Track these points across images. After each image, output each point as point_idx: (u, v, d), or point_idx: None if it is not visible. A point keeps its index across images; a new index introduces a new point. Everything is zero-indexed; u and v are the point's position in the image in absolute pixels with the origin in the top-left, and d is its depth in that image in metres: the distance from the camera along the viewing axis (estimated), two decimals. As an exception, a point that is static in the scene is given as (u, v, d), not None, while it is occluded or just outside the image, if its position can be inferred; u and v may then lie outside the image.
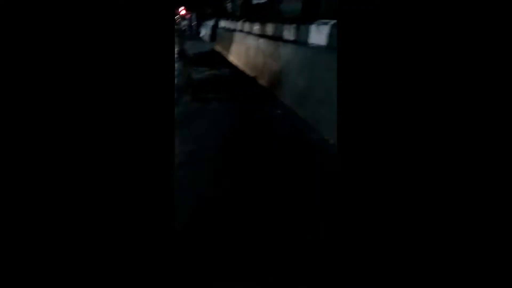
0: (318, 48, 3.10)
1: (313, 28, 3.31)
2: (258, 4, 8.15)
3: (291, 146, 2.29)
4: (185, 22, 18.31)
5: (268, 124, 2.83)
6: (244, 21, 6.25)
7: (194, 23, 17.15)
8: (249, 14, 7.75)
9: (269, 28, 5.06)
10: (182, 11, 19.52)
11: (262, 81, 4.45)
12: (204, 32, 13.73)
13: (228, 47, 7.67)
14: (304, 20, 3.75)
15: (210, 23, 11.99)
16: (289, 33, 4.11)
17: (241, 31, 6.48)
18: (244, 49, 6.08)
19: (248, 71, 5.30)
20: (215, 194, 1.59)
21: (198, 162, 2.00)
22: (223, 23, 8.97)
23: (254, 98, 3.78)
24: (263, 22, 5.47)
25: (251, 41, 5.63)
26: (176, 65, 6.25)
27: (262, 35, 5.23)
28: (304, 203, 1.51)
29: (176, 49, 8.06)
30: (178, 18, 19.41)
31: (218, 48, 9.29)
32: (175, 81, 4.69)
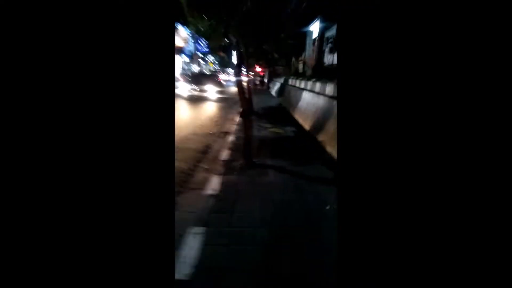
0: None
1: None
2: (330, 66, 7.80)
3: None
4: (258, 78, 19.75)
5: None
6: (315, 81, 5.77)
7: (266, 79, 18.27)
8: (320, 74, 7.38)
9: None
10: (258, 68, 21.45)
11: (331, 149, 3.59)
12: (274, 88, 14.21)
13: (295, 104, 7.25)
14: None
15: (280, 80, 12.33)
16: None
17: (310, 90, 5.98)
18: (313, 109, 5.45)
19: (315, 134, 4.56)
20: None
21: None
22: (292, 81, 8.87)
23: (319, 173, 2.90)
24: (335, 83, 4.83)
25: (321, 102, 4.99)
26: (238, 119, 6.02)
27: (335, 97, 4.54)
28: None
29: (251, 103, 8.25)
30: (254, 74, 21.34)
31: (285, 103, 9.07)
32: (235, 140, 4.23)
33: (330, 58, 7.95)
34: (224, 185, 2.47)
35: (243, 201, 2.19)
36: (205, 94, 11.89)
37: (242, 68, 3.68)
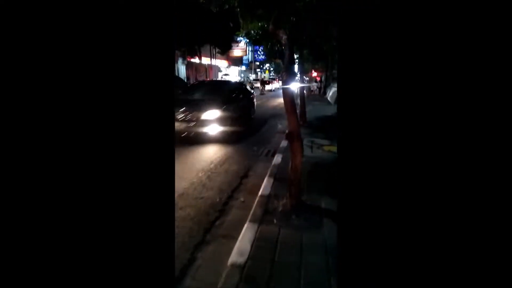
0: None
1: None
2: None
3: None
4: (314, 84, 18.44)
5: None
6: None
7: (323, 84, 16.85)
8: None
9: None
10: (314, 73, 20.08)
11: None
12: (330, 94, 12.81)
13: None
14: None
15: (335, 86, 10.93)
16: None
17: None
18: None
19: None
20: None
21: None
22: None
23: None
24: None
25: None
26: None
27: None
28: None
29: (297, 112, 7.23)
30: (309, 80, 20.14)
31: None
32: (281, 164, 3.42)
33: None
34: (255, 247, 1.70)
35: (280, 280, 1.37)
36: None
37: (294, 74, 2.91)
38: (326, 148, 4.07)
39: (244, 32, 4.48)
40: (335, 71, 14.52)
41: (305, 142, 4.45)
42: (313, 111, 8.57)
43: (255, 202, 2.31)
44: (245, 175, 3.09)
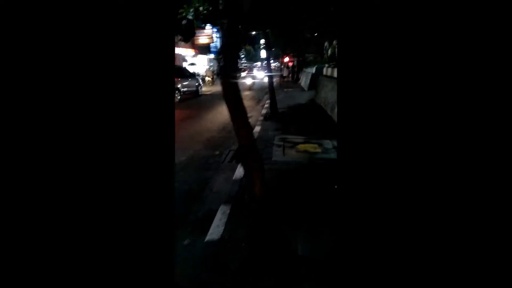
0: None
1: None
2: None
3: None
4: (286, 70, 17.58)
5: None
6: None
7: (295, 69, 16.05)
8: None
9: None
10: (286, 58, 19.18)
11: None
12: (304, 79, 12.10)
13: (334, 102, 5.29)
14: None
15: (311, 70, 10.24)
16: None
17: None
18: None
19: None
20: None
21: None
22: (327, 71, 6.84)
23: None
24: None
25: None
26: (257, 129, 4.32)
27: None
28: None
29: (265, 102, 6.34)
30: (282, 66, 19.17)
31: (319, 99, 7.09)
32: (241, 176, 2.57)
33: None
34: None
35: None
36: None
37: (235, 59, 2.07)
38: (301, 147, 3.29)
39: (191, 10, 3.41)
40: (308, 55, 13.77)
41: (276, 140, 3.62)
42: (286, 99, 7.78)
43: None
44: (198, 197, 2.21)
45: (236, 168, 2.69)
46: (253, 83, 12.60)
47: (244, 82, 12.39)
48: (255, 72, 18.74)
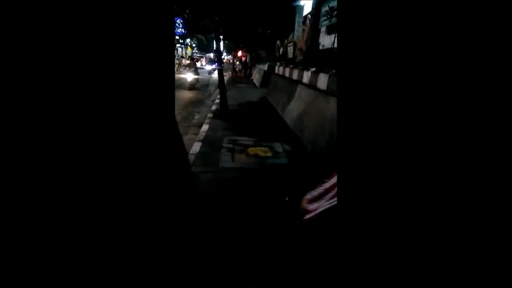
0: None
1: None
2: (328, 50, 5.77)
3: None
4: (238, 63, 17.23)
5: None
6: (316, 72, 3.78)
7: (248, 65, 15.81)
8: (316, 61, 5.41)
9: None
10: (239, 52, 18.76)
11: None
12: (256, 76, 11.98)
13: (285, 102, 5.24)
14: None
15: (263, 67, 10.17)
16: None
17: (310, 86, 3.98)
18: (316, 113, 3.50)
19: (323, 157, 2.66)
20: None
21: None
22: (279, 69, 6.81)
23: None
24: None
25: (332, 104, 3.04)
26: (205, 128, 3.93)
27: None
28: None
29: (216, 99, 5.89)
30: (234, 60, 18.67)
31: (270, 97, 7.02)
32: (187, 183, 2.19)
33: (328, 40, 5.90)
34: None
35: None
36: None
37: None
38: (251, 151, 3.06)
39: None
40: (261, 51, 13.68)
41: (224, 142, 3.31)
42: (237, 95, 7.49)
43: None
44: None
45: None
46: (197, 79, 8.64)
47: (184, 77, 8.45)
48: (203, 64, 17.28)
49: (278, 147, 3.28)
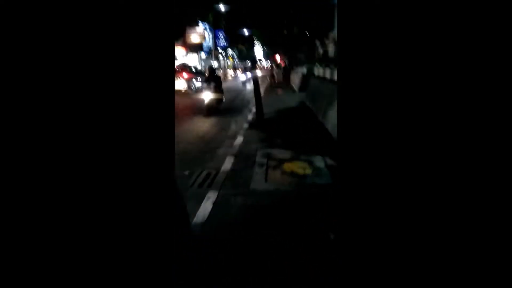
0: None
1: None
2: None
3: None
4: (277, 70, 16.92)
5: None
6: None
7: (287, 70, 15.38)
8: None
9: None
10: (277, 57, 18.48)
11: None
12: (295, 80, 11.48)
13: (325, 106, 4.69)
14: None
15: (302, 70, 9.63)
16: None
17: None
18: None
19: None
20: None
21: None
22: (318, 70, 6.25)
23: None
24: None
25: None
26: (239, 140, 3.67)
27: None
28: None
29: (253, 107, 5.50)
30: (272, 65, 18.45)
31: (309, 102, 6.49)
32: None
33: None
34: None
35: None
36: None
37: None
38: (287, 167, 2.67)
39: None
40: (300, 54, 13.13)
41: (258, 157, 2.99)
42: (275, 102, 7.15)
43: None
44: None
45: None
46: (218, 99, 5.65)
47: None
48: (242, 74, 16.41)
49: (319, 161, 2.80)
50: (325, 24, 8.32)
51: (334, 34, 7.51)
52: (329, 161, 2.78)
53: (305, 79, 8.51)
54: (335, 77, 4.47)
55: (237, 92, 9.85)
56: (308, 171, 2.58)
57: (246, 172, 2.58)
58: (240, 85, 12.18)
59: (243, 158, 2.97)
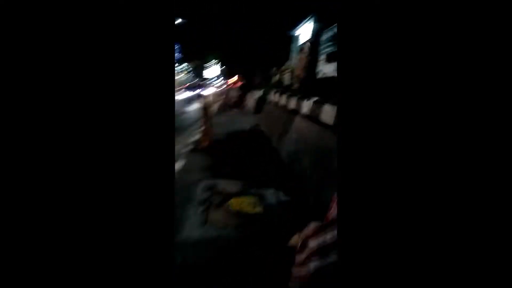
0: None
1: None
2: (330, 78, 5.22)
3: None
4: (232, 90, 16.84)
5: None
6: (320, 101, 3.10)
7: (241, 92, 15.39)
8: (315, 89, 4.86)
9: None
10: (235, 77, 18.54)
11: None
12: (251, 101, 11.47)
13: (280, 133, 4.49)
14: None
15: (258, 93, 9.68)
16: None
17: (312, 118, 3.25)
18: (326, 160, 2.71)
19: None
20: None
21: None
22: (275, 96, 6.22)
23: None
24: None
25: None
26: (177, 167, 3.04)
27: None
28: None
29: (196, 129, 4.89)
30: (228, 85, 18.34)
31: (265, 128, 6.30)
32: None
33: (329, 68, 5.38)
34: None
35: None
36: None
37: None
38: (234, 204, 2.17)
39: None
40: (256, 77, 13.34)
41: (200, 189, 2.43)
42: (226, 123, 6.75)
43: None
44: None
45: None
46: None
47: None
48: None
49: (272, 196, 2.41)
50: (281, 54, 8.64)
51: (289, 64, 7.80)
52: (283, 197, 2.41)
53: (261, 102, 8.48)
54: (291, 105, 4.37)
55: (183, 109, 9.13)
56: (258, 208, 2.13)
57: (180, 212, 1.98)
58: (187, 102, 11.53)
59: (179, 191, 2.36)
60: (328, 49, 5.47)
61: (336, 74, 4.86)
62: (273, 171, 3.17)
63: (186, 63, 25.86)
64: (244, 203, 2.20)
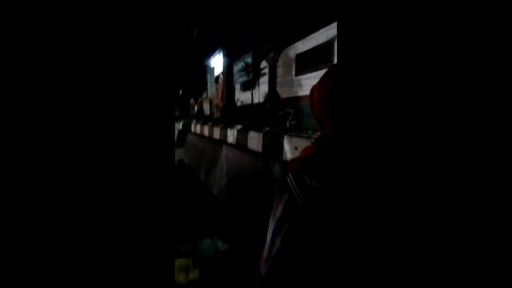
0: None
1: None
2: (249, 106, 5.39)
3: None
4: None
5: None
6: (245, 129, 3.02)
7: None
8: (235, 118, 4.91)
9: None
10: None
11: None
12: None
13: (208, 166, 4.13)
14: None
15: (178, 125, 9.10)
16: None
17: (239, 147, 3.11)
18: (262, 193, 2.53)
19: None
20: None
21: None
22: (196, 127, 5.89)
23: None
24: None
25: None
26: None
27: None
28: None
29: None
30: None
31: (189, 161, 5.77)
32: None
33: (246, 96, 5.56)
34: None
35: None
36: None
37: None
38: None
39: None
40: (175, 110, 12.62)
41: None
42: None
43: None
44: None
45: None
46: None
47: None
48: None
49: (209, 248, 2.00)
50: (198, 85, 8.54)
51: (207, 93, 7.73)
52: (222, 246, 2.03)
53: (182, 134, 7.93)
54: (216, 135, 4.15)
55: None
56: (194, 275, 1.67)
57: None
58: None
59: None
60: (241, 79, 5.71)
61: (252, 101, 5.04)
62: (206, 212, 2.75)
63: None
64: (177, 268, 1.70)
